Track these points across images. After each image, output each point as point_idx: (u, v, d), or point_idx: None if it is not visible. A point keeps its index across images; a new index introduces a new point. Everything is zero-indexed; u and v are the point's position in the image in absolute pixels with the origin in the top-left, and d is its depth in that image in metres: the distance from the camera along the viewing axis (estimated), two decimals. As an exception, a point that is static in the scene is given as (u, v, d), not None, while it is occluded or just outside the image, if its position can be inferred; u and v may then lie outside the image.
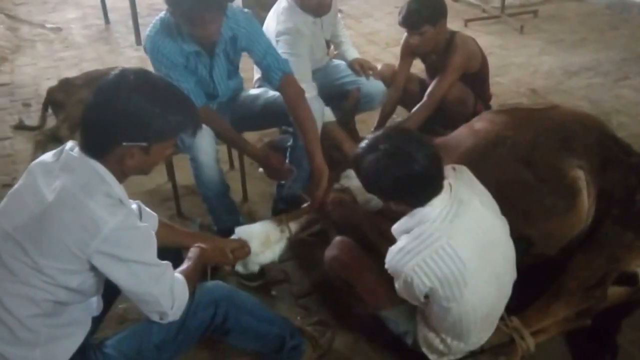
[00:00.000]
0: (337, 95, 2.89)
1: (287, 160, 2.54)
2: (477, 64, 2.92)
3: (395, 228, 1.67)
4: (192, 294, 1.55)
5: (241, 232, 2.01)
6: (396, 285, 1.65)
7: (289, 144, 2.58)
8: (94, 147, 1.38)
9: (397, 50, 3.10)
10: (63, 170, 1.37)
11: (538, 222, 2.05)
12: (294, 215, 2.15)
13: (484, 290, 1.66)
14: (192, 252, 1.72)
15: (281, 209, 2.47)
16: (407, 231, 1.63)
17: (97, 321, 1.63)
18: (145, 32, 2.32)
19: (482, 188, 1.77)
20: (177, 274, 1.54)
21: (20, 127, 3.59)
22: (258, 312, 1.70)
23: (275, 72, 2.31)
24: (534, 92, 3.94)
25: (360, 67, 2.98)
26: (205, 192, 2.31)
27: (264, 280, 2.27)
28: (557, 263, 2.05)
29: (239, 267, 2.03)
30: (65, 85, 3.58)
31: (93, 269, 1.37)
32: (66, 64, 4.65)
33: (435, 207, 1.60)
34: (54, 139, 3.38)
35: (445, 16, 2.77)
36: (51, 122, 3.52)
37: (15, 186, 1.46)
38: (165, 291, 1.46)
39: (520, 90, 3.97)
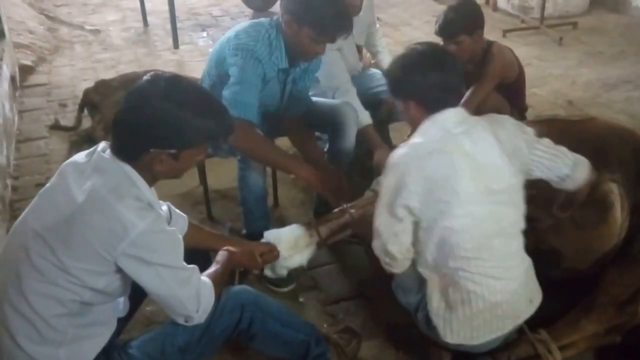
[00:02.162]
0: (371, 104, 2.86)
1: None
2: (513, 74, 2.87)
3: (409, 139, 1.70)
4: (218, 297, 1.55)
5: (270, 236, 2.01)
6: (381, 205, 1.67)
7: (325, 149, 2.58)
8: (124, 151, 1.39)
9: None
10: (94, 171, 1.38)
11: (568, 236, 2.01)
12: (324, 220, 2.13)
13: (478, 214, 1.61)
14: (221, 256, 1.72)
15: (322, 213, 2.43)
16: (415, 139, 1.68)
17: (123, 322, 1.64)
18: (180, 34, 2.32)
19: (509, 135, 1.71)
20: (204, 278, 1.54)
21: (55, 127, 3.66)
22: (284, 318, 1.69)
23: (295, 107, 2.41)
24: (570, 104, 3.87)
25: None
26: (247, 195, 2.31)
27: (293, 286, 2.27)
28: (588, 278, 2.00)
29: (267, 271, 2.02)
30: (102, 86, 3.63)
31: (119, 271, 1.38)
32: (103, 65, 4.73)
33: (445, 119, 1.64)
34: (88, 140, 3.42)
35: (482, 26, 2.72)
36: (87, 123, 3.56)
37: (47, 185, 1.47)
38: (191, 294, 1.45)
39: (557, 102, 3.90)
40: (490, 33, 5.18)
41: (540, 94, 4.02)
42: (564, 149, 1.78)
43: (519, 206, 1.71)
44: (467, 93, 2.81)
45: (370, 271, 2.18)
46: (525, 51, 4.56)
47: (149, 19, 5.73)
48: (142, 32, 5.62)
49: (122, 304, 1.57)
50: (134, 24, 5.81)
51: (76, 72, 4.59)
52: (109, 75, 4.11)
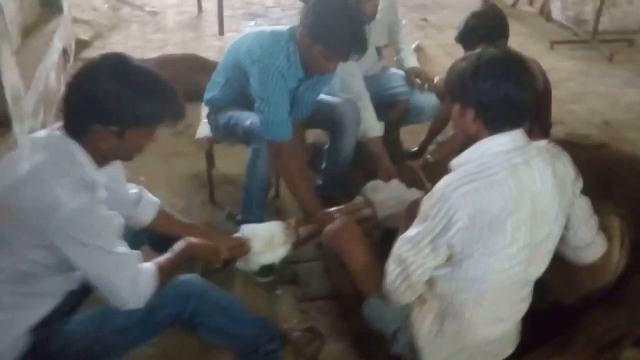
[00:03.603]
0: (385, 104, 2.89)
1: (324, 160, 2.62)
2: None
3: (454, 161, 1.54)
4: (164, 285, 1.55)
5: (246, 230, 2.05)
6: (417, 228, 1.51)
7: (326, 146, 2.63)
8: (71, 127, 1.42)
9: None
10: (44, 147, 1.40)
11: (557, 266, 1.94)
12: (306, 221, 2.16)
13: (516, 259, 1.48)
14: (178, 245, 1.71)
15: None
16: (466, 164, 1.50)
17: (80, 297, 1.63)
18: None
19: (563, 173, 1.53)
20: (147, 264, 1.54)
21: (97, 100, 3.84)
22: (233, 312, 1.68)
23: (299, 113, 2.38)
24: (607, 124, 3.73)
25: (417, 78, 2.96)
26: (251, 182, 2.35)
27: (271, 278, 2.29)
28: (573, 313, 1.91)
29: (240, 264, 2.06)
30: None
31: (55, 247, 1.38)
32: (153, 45, 4.94)
33: (503, 143, 1.45)
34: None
35: (506, 35, 2.68)
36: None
37: (9, 154, 1.53)
38: (126, 279, 1.45)
39: (593, 121, 3.77)
40: (538, 43, 5.12)
41: (577, 110, 3.90)
42: (594, 221, 1.67)
43: (551, 254, 1.59)
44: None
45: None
46: (570, 65, 4.45)
47: (204, 5, 5.92)
48: (195, 17, 5.82)
49: (74, 279, 1.55)
50: (189, 8, 6.02)
51: (127, 49, 4.80)
52: (155, 55, 4.30)
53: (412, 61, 3.03)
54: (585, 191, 1.94)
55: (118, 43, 4.96)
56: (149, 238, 1.91)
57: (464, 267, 1.49)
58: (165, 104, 1.45)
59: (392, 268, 1.56)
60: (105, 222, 1.42)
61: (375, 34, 2.81)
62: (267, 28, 2.31)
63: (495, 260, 1.46)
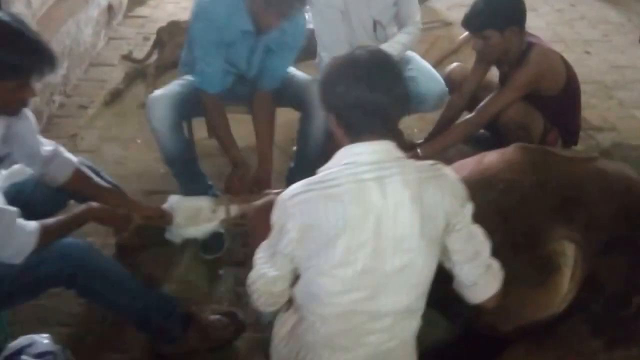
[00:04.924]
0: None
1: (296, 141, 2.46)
2: (555, 85, 2.43)
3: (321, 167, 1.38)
4: (46, 245, 1.57)
5: (173, 200, 2.00)
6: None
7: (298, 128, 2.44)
8: None
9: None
10: None
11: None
12: (241, 200, 2.03)
13: (342, 285, 1.29)
14: (78, 208, 1.73)
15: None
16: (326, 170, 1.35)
17: None
18: None
19: (443, 199, 1.31)
20: (32, 223, 1.56)
21: (127, 57, 3.88)
22: (118, 283, 1.69)
23: (266, 81, 2.30)
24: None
25: None
26: (163, 158, 2.29)
27: (217, 256, 2.28)
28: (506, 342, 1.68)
29: (167, 234, 2.00)
30: (172, 26, 3.79)
31: None
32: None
33: (360, 154, 1.29)
34: (141, 75, 3.62)
35: (519, 22, 2.33)
36: (155, 59, 3.74)
37: None
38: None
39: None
40: (626, 35, 4.48)
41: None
42: (480, 261, 1.41)
43: (420, 287, 1.35)
44: (486, 99, 2.46)
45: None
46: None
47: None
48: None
49: None
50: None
51: (177, 10, 4.78)
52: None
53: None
54: (540, 207, 1.65)
55: (171, 2, 4.95)
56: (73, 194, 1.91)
57: (306, 283, 1.35)
58: (27, 55, 1.43)
59: (250, 274, 1.43)
60: None
61: (377, 4, 2.54)
62: None
63: (328, 280, 1.30)
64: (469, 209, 1.38)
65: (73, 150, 2.93)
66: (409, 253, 1.29)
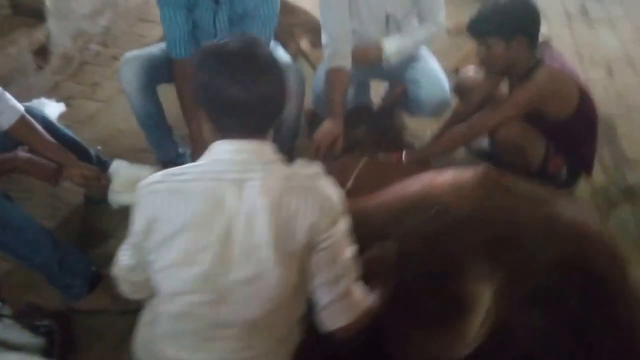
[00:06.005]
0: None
1: None
2: (562, 110, 2.17)
3: None
4: None
5: (115, 165, 2.00)
6: None
7: None
8: None
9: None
10: None
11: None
12: None
13: (177, 285, 1.23)
14: (4, 154, 1.77)
15: None
16: None
17: None
18: None
19: (307, 213, 1.20)
20: None
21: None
22: (20, 233, 1.70)
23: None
24: None
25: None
26: (137, 120, 2.28)
27: None
28: None
29: (108, 197, 2.00)
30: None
31: None
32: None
33: (225, 152, 1.22)
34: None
35: (529, 34, 2.10)
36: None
37: None
38: None
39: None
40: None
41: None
42: (337, 287, 1.27)
43: (274, 302, 1.24)
44: (479, 113, 2.28)
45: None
46: None
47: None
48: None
49: None
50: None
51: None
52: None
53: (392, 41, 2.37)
54: (468, 242, 1.51)
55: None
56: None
57: (153, 276, 1.28)
58: None
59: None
60: None
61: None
62: None
63: (165, 278, 1.23)
64: (340, 227, 1.26)
65: (89, 98, 3.11)
66: (260, 264, 1.20)
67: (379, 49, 2.33)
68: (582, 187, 2.55)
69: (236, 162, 1.21)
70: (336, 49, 2.32)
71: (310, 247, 1.23)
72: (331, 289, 1.26)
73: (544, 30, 2.18)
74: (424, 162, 2.31)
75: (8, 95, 1.85)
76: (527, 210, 1.59)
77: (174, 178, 1.22)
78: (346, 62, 2.32)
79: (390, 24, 2.41)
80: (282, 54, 2.34)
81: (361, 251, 1.60)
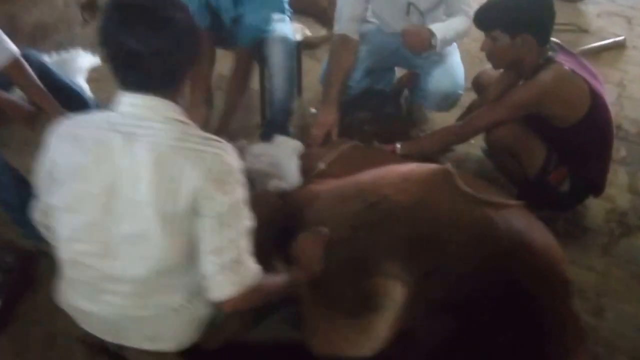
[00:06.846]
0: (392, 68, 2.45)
1: None
2: (568, 115, 1.98)
3: None
4: None
5: None
6: None
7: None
8: None
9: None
10: None
11: (324, 314, 1.49)
12: None
13: (66, 231, 1.28)
14: None
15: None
16: None
17: None
18: None
19: (192, 177, 1.19)
20: None
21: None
22: None
23: (241, 38, 2.21)
24: None
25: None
26: None
27: None
28: None
29: None
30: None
31: None
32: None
33: (122, 103, 1.22)
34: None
35: (536, 32, 1.92)
36: None
37: None
38: None
39: None
40: None
41: None
42: (223, 257, 1.24)
43: (151, 261, 1.25)
44: (475, 112, 2.14)
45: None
46: None
47: None
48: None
49: None
50: None
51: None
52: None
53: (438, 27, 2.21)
54: (389, 237, 1.45)
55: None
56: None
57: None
58: None
59: None
60: None
61: None
62: None
63: (58, 223, 1.28)
64: (233, 197, 1.23)
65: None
66: (143, 223, 1.21)
67: (430, 33, 2.16)
68: (598, 205, 2.34)
69: (131, 115, 1.20)
70: (344, 25, 2.28)
71: (194, 213, 1.22)
72: (216, 258, 1.24)
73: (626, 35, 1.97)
74: (426, 156, 2.20)
75: (4, 37, 1.91)
76: (465, 213, 1.47)
77: (78, 124, 1.25)
78: (353, 34, 2.26)
79: (412, 13, 2.29)
80: (281, 28, 2.27)
81: (299, 231, 1.60)
